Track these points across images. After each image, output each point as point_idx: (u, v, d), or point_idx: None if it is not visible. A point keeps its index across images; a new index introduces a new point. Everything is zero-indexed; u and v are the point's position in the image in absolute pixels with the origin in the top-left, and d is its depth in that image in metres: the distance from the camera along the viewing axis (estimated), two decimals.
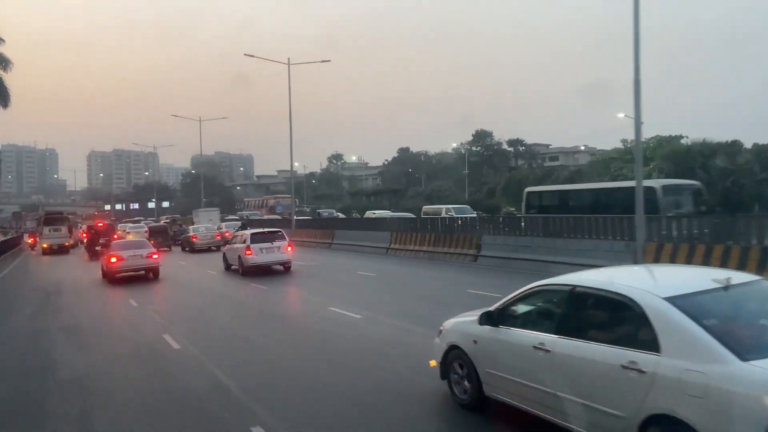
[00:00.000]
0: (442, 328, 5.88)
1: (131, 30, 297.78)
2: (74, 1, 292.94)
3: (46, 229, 34.17)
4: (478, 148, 74.13)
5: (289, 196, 42.62)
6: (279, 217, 44.14)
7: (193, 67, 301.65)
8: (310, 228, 32.14)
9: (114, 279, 17.65)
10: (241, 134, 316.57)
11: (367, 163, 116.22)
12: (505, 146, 78.10)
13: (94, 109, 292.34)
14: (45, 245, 33.19)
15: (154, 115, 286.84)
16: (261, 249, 18.70)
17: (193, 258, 27.34)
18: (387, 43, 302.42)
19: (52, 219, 36.01)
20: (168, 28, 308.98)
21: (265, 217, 48.10)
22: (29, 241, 38.28)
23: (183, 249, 31.38)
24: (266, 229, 19.98)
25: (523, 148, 78.90)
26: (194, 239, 29.68)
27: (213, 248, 29.02)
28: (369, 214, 38.37)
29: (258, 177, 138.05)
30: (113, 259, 17.72)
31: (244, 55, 37.88)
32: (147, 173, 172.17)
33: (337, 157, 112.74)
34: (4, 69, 30.75)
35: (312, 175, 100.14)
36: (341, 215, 47.14)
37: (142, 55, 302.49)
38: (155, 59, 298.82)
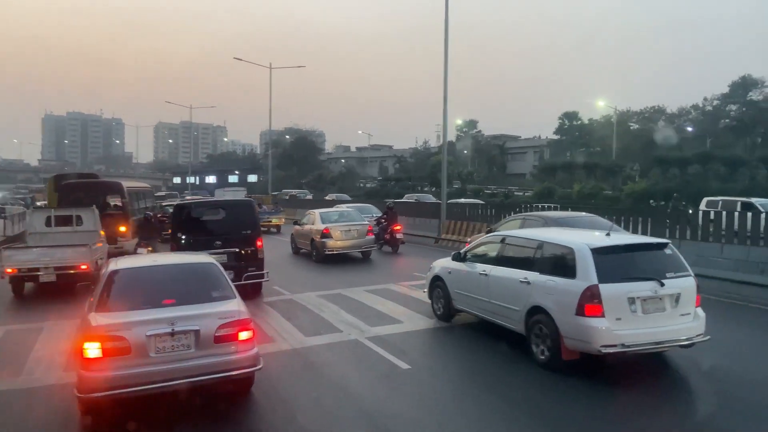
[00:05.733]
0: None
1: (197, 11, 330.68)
2: None
3: (37, 219, 16.10)
4: (735, 106, 57.69)
5: None
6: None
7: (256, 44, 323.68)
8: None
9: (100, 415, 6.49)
10: (308, 113, 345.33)
11: (519, 136, 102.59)
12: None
13: (162, 82, 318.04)
14: (10, 270, 13.45)
15: (220, 90, 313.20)
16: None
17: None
18: None
19: (71, 188, 19.36)
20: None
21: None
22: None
23: (295, 251, 21.82)
24: None
25: None
26: (328, 235, 19.12)
27: (358, 254, 20.10)
28: None
29: (358, 149, 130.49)
30: (90, 353, 6.15)
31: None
32: (227, 139, 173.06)
33: (471, 124, 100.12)
34: None
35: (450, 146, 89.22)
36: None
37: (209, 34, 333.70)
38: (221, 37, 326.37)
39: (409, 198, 44.26)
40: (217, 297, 7.10)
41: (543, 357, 7.95)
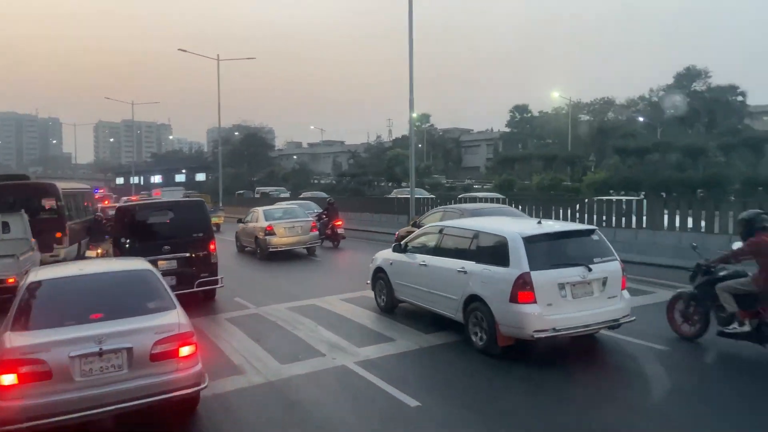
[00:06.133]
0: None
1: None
2: None
3: None
4: (680, 97, 60.10)
5: None
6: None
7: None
8: None
9: None
10: (256, 110, 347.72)
11: (471, 130, 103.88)
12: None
13: (101, 80, 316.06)
14: None
15: (164, 88, 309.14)
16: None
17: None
18: None
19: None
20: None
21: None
22: None
23: (240, 249, 22.42)
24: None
25: (740, 99, 63.85)
26: (271, 233, 19.47)
27: (303, 251, 20.53)
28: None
29: (310, 145, 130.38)
30: (4, 380, 5.55)
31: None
32: (172, 137, 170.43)
33: (424, 118, 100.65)
34: None
35: (397, 141, 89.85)
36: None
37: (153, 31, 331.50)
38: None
39: (399, 193, 42.88)
40: (153, 308, 6.42)
41: (481, 343, 8.37)
